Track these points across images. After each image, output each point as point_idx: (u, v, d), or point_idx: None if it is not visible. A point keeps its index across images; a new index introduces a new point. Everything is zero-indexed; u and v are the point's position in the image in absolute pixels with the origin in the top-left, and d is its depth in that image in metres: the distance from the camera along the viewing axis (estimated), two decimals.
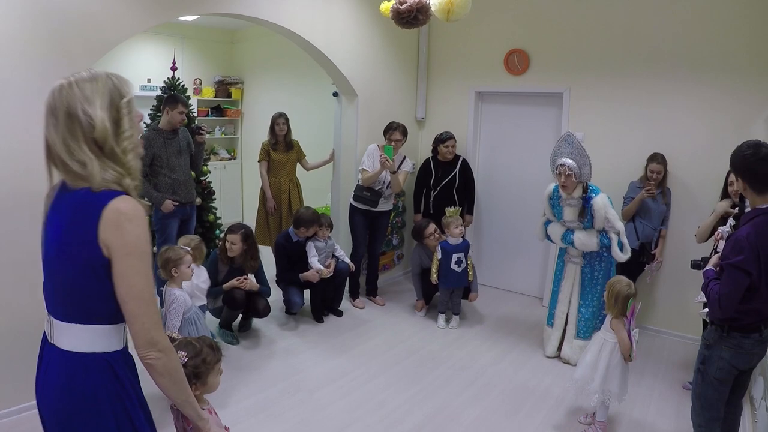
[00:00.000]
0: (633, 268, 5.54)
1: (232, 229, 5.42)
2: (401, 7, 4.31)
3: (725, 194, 4.87)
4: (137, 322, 1.77)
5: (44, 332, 1.93)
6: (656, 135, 5.98)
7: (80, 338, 1.81)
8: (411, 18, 4.33)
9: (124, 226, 1.72)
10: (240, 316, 5.58)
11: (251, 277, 5.51)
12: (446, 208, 6.06)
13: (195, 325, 4.17)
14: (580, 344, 5.13)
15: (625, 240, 5.02)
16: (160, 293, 4.36)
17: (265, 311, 5.50)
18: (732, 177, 4.75)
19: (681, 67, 5.83)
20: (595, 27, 6.31)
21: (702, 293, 4.53)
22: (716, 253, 4.05)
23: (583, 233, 5.04)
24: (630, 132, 6.06)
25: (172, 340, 2.72)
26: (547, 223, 5.37)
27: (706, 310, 4.44)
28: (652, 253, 5.72)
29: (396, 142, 6.19)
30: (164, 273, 4.08)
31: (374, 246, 6.59)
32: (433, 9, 4.27)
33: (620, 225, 5.01)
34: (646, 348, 5.65)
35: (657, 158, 5.69)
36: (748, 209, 3.97)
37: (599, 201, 4.99)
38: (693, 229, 5.33)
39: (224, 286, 5.28)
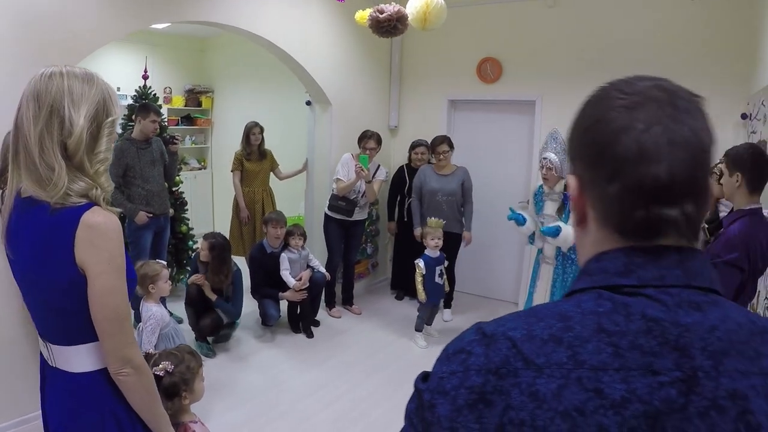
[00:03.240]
0: None
1: (206, 235, 5.50)
2: (381, 16, 4.31)
3: None
4: (111, 340, 1.70)
5: (41, 353, 1.88)
6: None
7: (81, 359, 1.75)
8: (390, 27, 4.33)
9: (97, 242, 1.63)
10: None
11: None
12: (429, 218, 6.01)
13: (172, 339, 4.11)
14: None
15: None
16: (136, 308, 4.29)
17: (207, 330, 5.38)
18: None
19: (647, 73, 5.88)
20: (566, 35, 6.40)
21: None
22: None
23: (568, 227, 5.07)
24: None
25: (150, 356, 2.68)
26: (514, 215, 5.31)
27: None
28: None
29: (371, 150, 6.17)
30: (141, 289, 4.01)
31: (349, 255, 6.57)
32: (409, 18, 4.29)
33: None
34: None
35: None
36: (723, 213, 4.08)
37: None
38: None
39: (189, 279, 5.37)
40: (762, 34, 4.86)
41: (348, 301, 6.72)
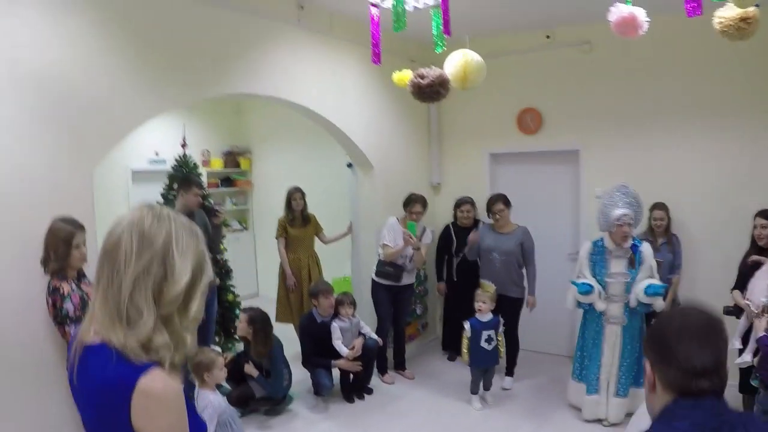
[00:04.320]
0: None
1: (244, 309, 5.50)
2: (423, 83, 4.25)
3: (752, 240, 4.92)
4: None
5: None
6: (663, 184, 6.08)
7: None
8: (433, 92, 4.27)
9: (155, 412, 1.46)
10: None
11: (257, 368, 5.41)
12: (482, 281, 5.89)
13: (230, 426, 4.05)
14: (619, 402, 5.08)
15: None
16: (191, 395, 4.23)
17: (234, 402, 5.03)
18: (759, 221, 4.84)
19: (684, 117, 6.01)
20: (604, 80, 6.38)
21: (738, 339, 4.54)
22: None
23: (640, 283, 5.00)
24: (642, 184, 5.95)
25: None
26: (584, 287, 5.07)
27: (742, 358, 4.43)
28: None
29: (417, 214, 6.11)
30: (196, 377, 3.96)
31: (399, 320, 6.46)
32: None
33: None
34: None
35: (659, 206, 5.82)
36: None
37: (647, 248, 5.11)
38: (702, 272, 5.94)
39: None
40: None
41: (400, 365, 6.59)
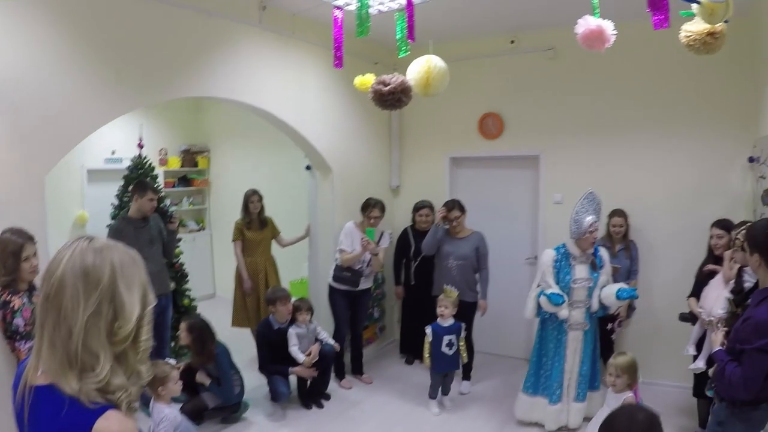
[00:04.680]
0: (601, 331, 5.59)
1: (184, 317, 5.40)
2: (384, 89, 4.18)
3: (709, 246, 5.01)
4: None
5: None
6: (622, 190, 6.15)
7: None
8: (395, 100, 4.21)
9: None
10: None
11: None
12: (444, 287, 5.85)
13: None
14: (579, 407, 5.10)
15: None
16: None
17: (188, 415, 4.86)
18: (715, 231, 4.91)
19: (645, 125, 6.11)
20: (567, 87, 6.42)
21: (692, 346, 4.62)
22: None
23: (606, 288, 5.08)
24: (601, 190, 5.99)
25: None
26: (559, 299, 4.95)
27: (695, 365, 4.50)
28: (616, 313, 5.68)
29: (375, 219, 6.09)
30: (151, 391, 3.86)
31: (357, 324, 6.41)
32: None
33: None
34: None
35: (618, 212, 5.90)
36: (747, 283, 3.96)
37: (604, 251, 5.24)
38: (659, 279, 6.09)
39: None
40: None
41: (358, 370, 6.53)
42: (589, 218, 4.92)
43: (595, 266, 5.06)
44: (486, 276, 6.16)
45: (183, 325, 5.24)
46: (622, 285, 5.04)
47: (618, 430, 1.99)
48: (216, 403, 5.26)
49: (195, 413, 5.13)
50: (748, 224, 3.72)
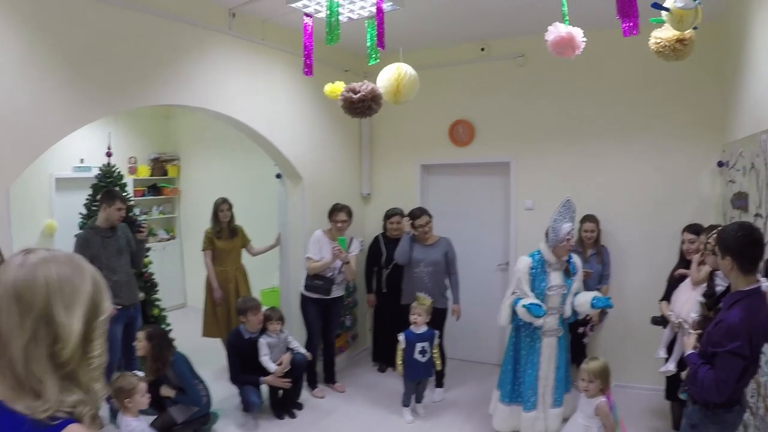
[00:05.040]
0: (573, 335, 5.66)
1: (142, 327, 5.23)
2: (354, 97, 4.15)
3: (680, 253, 5.09)
4: None
5: None
6: (593, 196, 6.21)
7: None
8: (365, 108, 4.19)
9: None
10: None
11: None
12: (418, 294, 5.85)
13: None
14: (557, 412, 5.07)
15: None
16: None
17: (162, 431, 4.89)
18: (687, 236, 4.99)
19: (615, 131, 6.17)
20: (537, 93, 6.46)
21: (663, 349, 4.67)
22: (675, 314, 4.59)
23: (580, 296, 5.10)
24: (573, 196, 6.02)
25: None
26: (540, 311, 4.88)
27: (666, 367, 4.54)
28: (587, 317, 5.71)
29: (342, 223, 6.08)
30: (118, 403, 3.78)
31: (329, 333, 6.37)
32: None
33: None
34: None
35: (589, 218, 5.97)
36: (719, 287, 4.00)
37: (577, 258, 5.25)
38: (631, 283, 6.13)
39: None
40: (738, 84, 4.89)
41: (330, 379, 6.50)
42: (566, 226, 4.94)
43: (568, 273, 5.08)
44: (456, 280, 6.17)
45: (141, 335, 5.04)
46: (596, 293, 5.06)
47: None
48: (185, 416, 5.15)
49: (164, 429, 5.03)
50: (719, 228, 3.77)
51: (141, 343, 4.97)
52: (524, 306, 4.89)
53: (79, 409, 1.34)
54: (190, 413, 5.09)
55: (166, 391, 4.99)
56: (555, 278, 5.02)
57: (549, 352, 5.06)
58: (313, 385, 6.32)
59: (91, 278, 1.42)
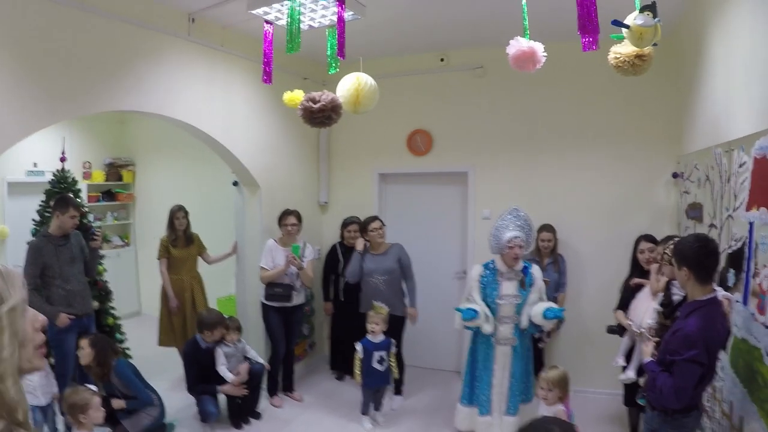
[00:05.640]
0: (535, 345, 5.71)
1: (83, 334, 5.08)
2: (314, 107, 4.12)
3: (634, 260, 5.17)
4: None
5: None
6: (550, 206, 6.32)
7: None
8: (324, 118, 4.17)
9: None
10: None
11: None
12: (374, 302, 5.85)
13: None
14: (511, 420, 5.07)
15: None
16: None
17: None
18: (642, 246, 5.06)
19: (572, 142, 6.27)
20: (495, 105, 6.53)
21: (621, 357, 4.74)
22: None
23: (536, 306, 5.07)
24: (530, 206, 6.07)
25: None
26: (468, 314, 4.98)
27: (626, 375, 4.61)
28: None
29: (292, 227, 6.07)
30: (72, 419, 3.68)
31: (290, 341, 6.32)
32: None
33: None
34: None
35: (546, 227, 6.07)
36: (676, 296, 4.08)
37: (537, 270, 5.22)
38: (586, 292, 6.26)
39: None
40: (693, 98, 5.02)
41: (288, 387, 6.44)
42: (509, 234, 4.97)
43: (523, 284, 5.10)
44: (413, 285, 6.19)
45: (85, 342, 4.90)
46: (550, 304, 5.06)
47: None
48: (139, 428, 5.05)
49: None
50: (677, 239, 3.85)
51: (85, 351, 4.84)
52: (456, 309, 5.03)
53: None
54: (144, 424, 5.00)
55: (117, 404, 4.89)
56: (507, 288, 5.06)
57: (503, 360, 5.10)
58: (272, 394, 6.26)
59: None
